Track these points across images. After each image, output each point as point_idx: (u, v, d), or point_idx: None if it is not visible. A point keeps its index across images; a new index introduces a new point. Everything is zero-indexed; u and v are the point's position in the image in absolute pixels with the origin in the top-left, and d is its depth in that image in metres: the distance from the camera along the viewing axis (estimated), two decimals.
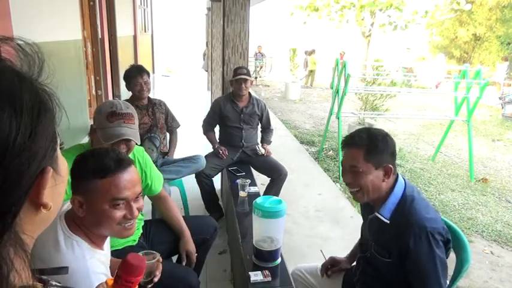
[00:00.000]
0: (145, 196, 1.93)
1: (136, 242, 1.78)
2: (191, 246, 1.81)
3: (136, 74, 2.87)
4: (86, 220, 1.00)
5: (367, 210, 1.48)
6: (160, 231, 1.89)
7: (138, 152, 1.88)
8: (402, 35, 13.68)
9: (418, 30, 15.45)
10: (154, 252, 1.19)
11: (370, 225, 1.46)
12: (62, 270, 0.92)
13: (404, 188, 1.37)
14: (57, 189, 0.47)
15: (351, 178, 1.35)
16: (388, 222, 1.34)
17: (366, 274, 1.50)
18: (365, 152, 1.32)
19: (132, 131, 1.66)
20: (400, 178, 1.39)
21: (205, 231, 2.02)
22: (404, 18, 12.99)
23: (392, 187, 1.36)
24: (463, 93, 4.97)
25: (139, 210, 1.09)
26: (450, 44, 17.19)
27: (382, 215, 1.35)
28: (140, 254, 1.15)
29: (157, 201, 1.96)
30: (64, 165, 0.49)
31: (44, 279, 0.56)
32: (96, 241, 1.05)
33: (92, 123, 1.70)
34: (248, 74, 3.10)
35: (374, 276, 1.46)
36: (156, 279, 1.17)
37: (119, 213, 1.02)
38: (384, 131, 1.41)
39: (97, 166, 1.00)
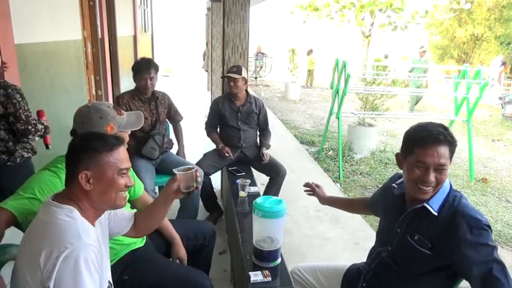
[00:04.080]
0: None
1: (145, 241, 1.80)
2: (182, 253, 1.83)
3: (143, 69, 2.76)
4: (92, 192, 1.15)
5: (397, 203, 1.45)
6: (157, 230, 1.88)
7: None
8: (402, 35, 13.67)
9: (418, 30, 15.44)
10: (191, 167, 1.43)
11: (405, 216, 1.40)
12: None
13: (450, 185, 1.37)
14: None
15: (434, 177, 1.28)
16: (436, 214, 1.31)
17: (385, 268, 1.46)
18: (450, 149, 1.28)
19: None
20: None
21: (202, 237, 1.98)
22: (404, 18, 12.98)
23: None
24: (463, 93, 4.97)
25: None
26: (450, 44, 17.18)
27: (431, 207, 1.32)
28: (183, 167, 1.43)
29: (143, 208, 1.90)
30: None
31: None
32: (90, 217, 1.18)
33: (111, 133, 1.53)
34: (238, 72, 2.97)
35: (395, 271, 1.42)
36: (196, 190, 1.44)
37: (122, 181, 1.18)
38: None
39: (104, 142, 1.17)
